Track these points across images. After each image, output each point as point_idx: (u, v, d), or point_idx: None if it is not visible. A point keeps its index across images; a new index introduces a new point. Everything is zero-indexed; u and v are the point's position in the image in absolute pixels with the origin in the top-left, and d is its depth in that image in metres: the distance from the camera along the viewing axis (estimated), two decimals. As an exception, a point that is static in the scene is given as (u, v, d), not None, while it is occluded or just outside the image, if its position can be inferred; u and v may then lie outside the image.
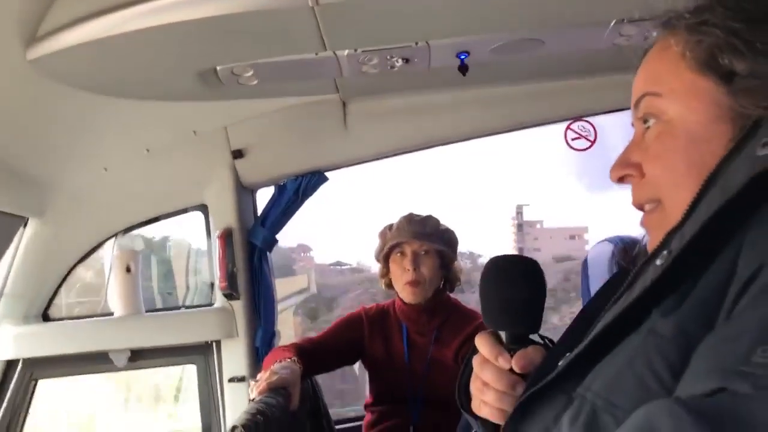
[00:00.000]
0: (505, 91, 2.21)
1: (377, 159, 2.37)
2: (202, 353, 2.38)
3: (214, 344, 2.36)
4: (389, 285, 2.27)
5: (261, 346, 2.32)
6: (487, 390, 0.82)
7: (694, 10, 0.72)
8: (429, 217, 2.23)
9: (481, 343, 0.83)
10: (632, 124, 0.78)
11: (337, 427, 2.41)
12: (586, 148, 2.22)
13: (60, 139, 2.07)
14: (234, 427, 1.46)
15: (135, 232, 2.49)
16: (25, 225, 2.30)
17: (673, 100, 0.71)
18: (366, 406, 2.33)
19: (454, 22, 1.62)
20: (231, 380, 2.31)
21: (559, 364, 0.71)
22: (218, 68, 1.78)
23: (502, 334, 0.84)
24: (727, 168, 0.61)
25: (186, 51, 1.66)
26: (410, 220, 2.21)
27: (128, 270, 2.32)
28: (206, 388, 2.39)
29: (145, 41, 1.54)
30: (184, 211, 2.45)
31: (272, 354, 2.04)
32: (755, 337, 0.48)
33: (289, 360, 1.95)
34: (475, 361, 0.84)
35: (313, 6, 1.39)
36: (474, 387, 0.85)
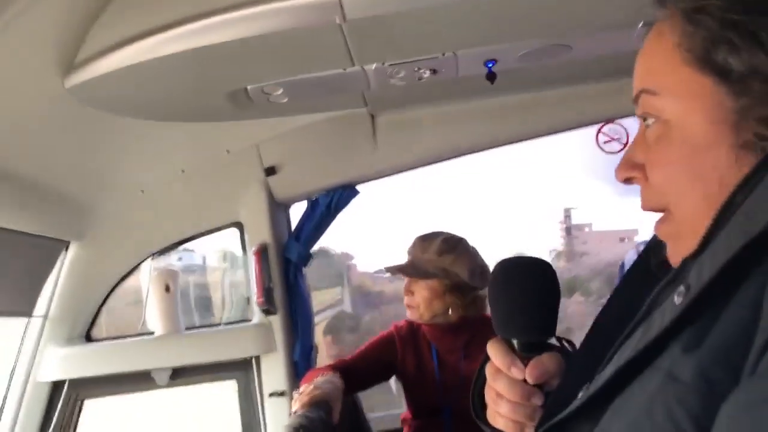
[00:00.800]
0: (534, 96, 2.20)
1: (407, 170, 2.38)
2: (242, 369, 2.41)
3: (253, 360, 2.39)
4: None
5: (300, 360, 2.33)
6: (501, 401, 0.79)
7: None
8: (436, 241, 2.16)
9: (493, 351, 0.80)
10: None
11: (378, 438, 2.41)
12: (619, 151, 2.21)
13: (97, 163, 2.12)
14: (277, 442, 1.47)
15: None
16: (67, 248, 2.35)
17: (671, 99, 0.64)
18: (403, 420, 2.33)
19: (480, 32, 1.62)
20: (272, 395, 2.33)
21: (579, 395, 0.67)
22: (249, 88, 1.80)
23: (515, 341, 0.80)
24: (746, 197, 0.56)
25: (217, 73, 1.69)
26: (415, 243, 2.20)
27: (167, 289, 2.36)
28: (247, 404, 2.41)
29: (178, 65, 1.57)
30: (220, 228, 2.49)
31: (310, 374, 2.05)
32: None
33: (330, 375, 1.96)
34: (488, 370, 0.81)
35: (341, 23, 1.40)
36: (488, 397, 0.82)
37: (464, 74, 1.84)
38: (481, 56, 1.75)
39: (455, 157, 2.36)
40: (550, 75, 2.03)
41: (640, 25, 1.65)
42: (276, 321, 2.35)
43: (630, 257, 2.16)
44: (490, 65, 1.79)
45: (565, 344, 0.85)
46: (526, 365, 0.77)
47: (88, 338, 2.48)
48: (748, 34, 0.59)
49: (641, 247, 2.17)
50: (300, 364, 2.33)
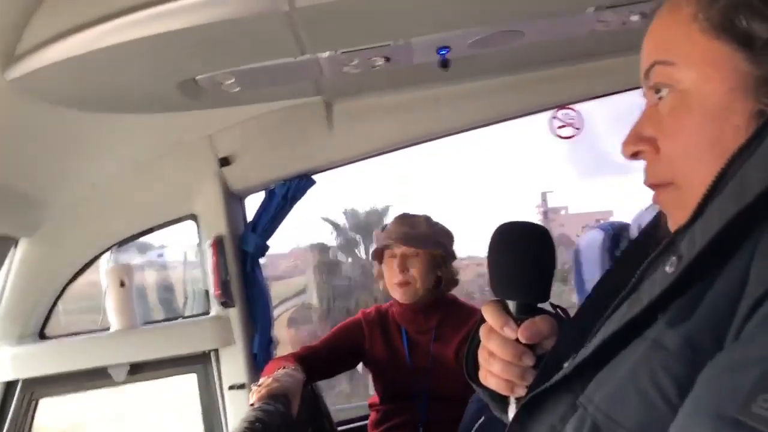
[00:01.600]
0: (489, 83, 2.20)
1: (364, 158, 2.37)
2: (201, 363, 2.37)
3: (212, 353, 2.36)
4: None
5: (259, 352, 2.32)
6: (493, 360, 0.81)
7: None
8: (420, 218, 2.23)
9: (488, 312, 0.82)
10: (643, 95, 0.72)
11: (340, 428, 2.41)
12: (573, 136, 2.23)
13: (45, 157, 2.06)
14: (233, 436, 1.46)
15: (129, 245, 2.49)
16: (16, 245, 2.29)
17: (688, 68, 0.64)
18: (371, 406, 2.34)
19: (432, 19, 1.62)
20: (231, 388, 2.31)
21: (565, 365, 0.69)
22: (198, 78, 1.77)
23: (510, 304, 0.82)
24: (740, 168, 0.56)
25: (165, 62, 1.65)
26: (400, 221, 2.22)
27: (122, 284, 2.31)
28: (207, 397, 2.38)
29: (124, 55, 1.53)
30: (176, 221, 2.44)
31: (271, 364, 2.04)
32: (758, 380, 0.44)
33: (291, 367, 1.95)
34: (482, 330, 0.83)
35: (289, 11, 1.38)
36: (481, 357, 0.84)
37: (418, 62, 1.83)
38: (434, 43, 1.75)
39: (412, 144, 2.36)
40: (503, 61, 2.03)
41: (591, 9, 1.67)
42: (234, 313, 2.32)
43: (586, 240, 2.18)
44: (443, 52, 1.78)
45: (559, 311, 0.87)
46: (519, 327, 0.80)
47: (42, 336, 2.42)
48: None
49: (596, 231, 2.19)
50: (259, 356, 2.31)
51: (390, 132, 2.30)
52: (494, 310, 0.81)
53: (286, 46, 1.60)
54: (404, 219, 2.24)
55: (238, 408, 2.26)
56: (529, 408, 0.72)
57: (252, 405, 1.73)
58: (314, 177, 2.39)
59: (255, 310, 2.36)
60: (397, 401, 2.24)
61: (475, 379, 0.87)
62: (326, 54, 1.72)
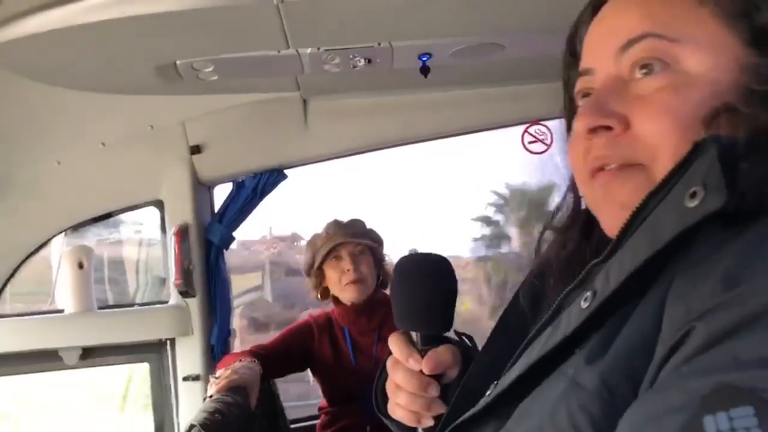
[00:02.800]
0: (466, 93, 2.23)
1: (337, 158, 2.37)
2: (155, 351, 2.33)
3: (168, 342, 2.32)
4: (324, 294, 2.29)
5: (217, 344, 2.29)
6: (399, 392, 0.80)
7: None
8: (356, 219, 2.30)
9: (393, 344, 0.82)
10: (605, 66, 0.65)
11: (293, 426, 2.41)
12: (543, 152, 2.27)
13: (11, 130, 2.01)
14: (192, 426, 1.44)
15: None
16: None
17: (695, 50, 0.58)
18: (320, 409, 2.34)
19: (416, 25, 1.64)
20: (185, 379, 2.27)
21: (488, 393, 0.67)
22: (178, 62, 1.75)
23: (414, 335, 0.82)
24: (657, 204, 0.53)
25: (146, 44, 1.63)
26: (337, 224, 2.27)
27: (80, 266, 2.27)
28: (159, 387, 2.34)
29: (104, 33, 1.51)
30: (139, 206, 2.40)
31: (226, 358, 2.03)
32: (680, 429, 0.42)
33: (248, 360, 1.94)
34: (389, 363, 0.83)
35: (278, 3, 1.38)
36: (388, 389, 0.84)
37: (399, 66, 1.85)
38: (416, 50, 1.77)
39: (386, 147, 2.37)
40: (482, 73, 2.06)
41: (571, 30, 1.71)
42: (193, 304, 2.29)
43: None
44: (425, 59, 1.80)
45: (464, 339, 0.88)
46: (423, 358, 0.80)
47: (-8, 315, 2.35)
48: None
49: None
50: (216, 348, 2.28)
51: (365, 133, 2.31)
52: (399, 342, 0.81)
53: (272, 38, 1.60)
54: (339, 222, 2.28)
55: (191, 399, 2.23)
56: None
57: (210, 396, 1.72)
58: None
59: (215, 302, 2.33)
60: (344, 403, 2.25)
61: (385, 411, 0.87)
62: (309, 50, 1.72)
